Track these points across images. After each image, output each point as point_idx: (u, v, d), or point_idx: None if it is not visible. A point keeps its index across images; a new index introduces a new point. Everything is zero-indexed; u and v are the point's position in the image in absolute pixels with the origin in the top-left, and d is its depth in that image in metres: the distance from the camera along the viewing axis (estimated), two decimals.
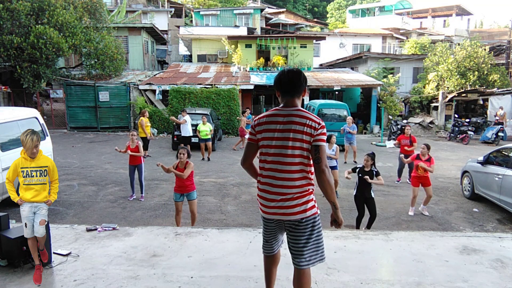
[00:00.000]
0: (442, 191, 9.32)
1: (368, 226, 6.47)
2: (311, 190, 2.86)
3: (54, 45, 15.72)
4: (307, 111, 2.90)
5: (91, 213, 7.32)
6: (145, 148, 12.39)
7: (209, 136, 12.48)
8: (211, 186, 9.40)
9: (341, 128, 12.53)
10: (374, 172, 6.36)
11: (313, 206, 2.85)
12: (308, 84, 19.57)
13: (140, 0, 34.09)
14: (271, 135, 2.84)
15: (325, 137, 2.83)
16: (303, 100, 23.57)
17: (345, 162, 12.20)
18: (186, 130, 12.94)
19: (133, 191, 8.26)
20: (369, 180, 6.25)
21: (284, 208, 2.79)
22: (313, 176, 2.86)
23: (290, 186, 2.78)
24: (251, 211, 7.54)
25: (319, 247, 2.90)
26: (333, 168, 8.52)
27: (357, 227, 6.53)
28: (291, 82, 2.88)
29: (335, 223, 2.88)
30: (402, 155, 9.02)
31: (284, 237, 3.13)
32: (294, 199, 2.78)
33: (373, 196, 6.43)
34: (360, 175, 6.40)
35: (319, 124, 2.80)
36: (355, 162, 11.91)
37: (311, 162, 2.81)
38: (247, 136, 3.22)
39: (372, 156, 6.45)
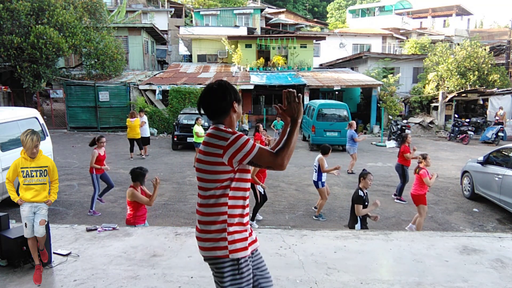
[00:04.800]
0: (442, 191, 9.32)
1: None
2: (226, 229, 2.25)
3: (54, 45, 15.72)
4: (220, 128, 2.29)
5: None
6: (142, 147, 12.85)
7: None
8: None
9: (356, 137, 11.15)
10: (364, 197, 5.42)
11: (223, 247, 2.24)
12: (308, 84, 19.11)
13: (140, 0, 34.08)
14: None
15: (247, 144, 2.19)
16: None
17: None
18: (146, 131, 12.98)
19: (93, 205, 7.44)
20: (362, 212, 5.34)
21: (199, 240, 2.34)
22: (231, 210, 2.27)
23: (204, 219, 2.31)
24: (250, 211, 7.54)
25: None
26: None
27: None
28: (201, 108, 2.37)
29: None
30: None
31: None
32: (206, 232, 2.29)
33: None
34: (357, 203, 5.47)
35: (230, 134, 2.23)
36: (352, 172, 10.85)
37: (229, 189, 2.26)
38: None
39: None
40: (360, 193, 5.49)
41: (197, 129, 11.60)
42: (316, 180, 7.27)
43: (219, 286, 2.32)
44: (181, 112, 15.37)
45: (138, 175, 5.11)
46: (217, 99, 2.32)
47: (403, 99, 22.05)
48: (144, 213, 5.25)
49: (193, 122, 13.72)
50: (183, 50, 29.49)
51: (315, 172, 7.27)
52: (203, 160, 2.29)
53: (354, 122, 11.63)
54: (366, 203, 5.55)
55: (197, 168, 2.34)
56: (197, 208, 2.38)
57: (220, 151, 2.20)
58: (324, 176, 7.30)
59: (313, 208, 7.75)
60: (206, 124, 13.11)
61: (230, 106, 2.33)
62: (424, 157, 6.58)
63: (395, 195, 8.68)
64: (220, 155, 2.21)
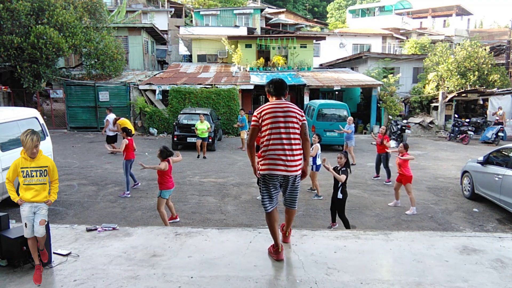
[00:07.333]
0: (442, 191, 9.32)
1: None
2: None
3: (54, 45, 15.71)
4: (292, 104, 4.27)
5: (91, 213, 7.33)
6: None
7: (206, 134, 12.66)
8: (211, 186, 9.40)
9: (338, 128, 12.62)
10: (341, 171, 6.28)
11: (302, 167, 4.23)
12: (308, 84, 19.54)
13: (140, 0, 34.08)
14: (276, 119, 4.06)
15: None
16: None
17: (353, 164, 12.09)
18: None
19: (128, 188, 8.57)
20: (327, 166, 6.37)
21: (291, 167, 4.03)
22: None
23: (296, 152, 4.08)
24: (251, 211, 7.54)
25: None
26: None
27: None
28: (280, 88, 4.24)
29: (303, 173, 4.23)
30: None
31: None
32: (297, 160, 4.09)
33: (339, 197, 6.27)
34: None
35: (302, 111, 4.28)
36: (353, 163, 11.69)
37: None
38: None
39: (345, 154, 6.48)
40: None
41: (202, 125, 12.62)
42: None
43: (292, 194, 4.22)
44: (181, 112, 15.37)
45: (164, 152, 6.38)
46: (286, 86, 4.29)
47: (403, 99, 22.05)
48: (169, 180, 6.43)
49: (193, 122, 13.76)
50: (183, 50, 29.49)
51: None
52: (294, 117, 4.12)
53: (351, 118, 12.87)
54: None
55: (292, 121, 4.08)
56: (288, 147, 4.03)
57: (300, 116, 4.18)
58: (318, 161, 8.37)
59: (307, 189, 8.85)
60: (206, 121, 13.24)
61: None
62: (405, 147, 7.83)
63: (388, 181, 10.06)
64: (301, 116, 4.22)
